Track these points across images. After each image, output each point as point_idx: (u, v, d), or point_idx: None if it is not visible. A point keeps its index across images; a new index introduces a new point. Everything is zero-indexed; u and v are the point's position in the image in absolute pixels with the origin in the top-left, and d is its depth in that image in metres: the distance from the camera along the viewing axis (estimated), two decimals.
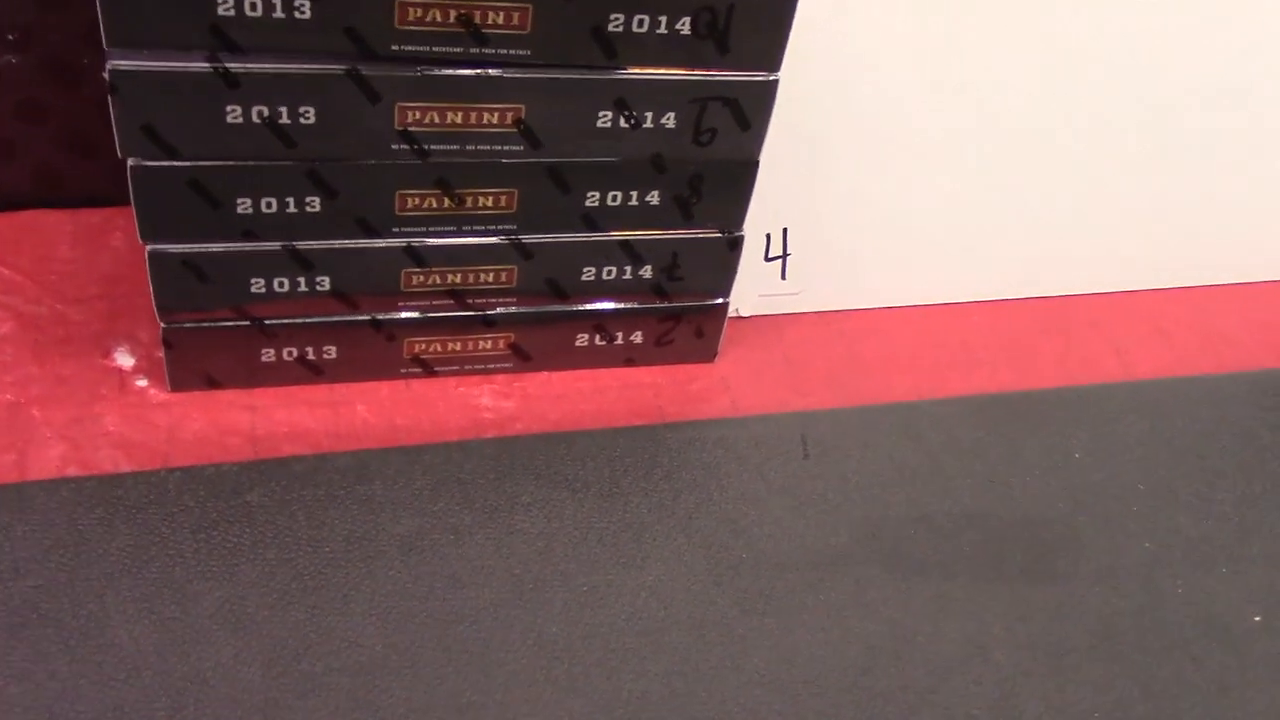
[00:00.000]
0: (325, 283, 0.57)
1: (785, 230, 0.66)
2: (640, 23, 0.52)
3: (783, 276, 0.68)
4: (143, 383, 0.60)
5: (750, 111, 0.55)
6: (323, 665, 0.51)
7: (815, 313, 0.70)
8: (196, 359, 0.58)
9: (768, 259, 0.67)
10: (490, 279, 0.59)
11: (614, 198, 0.57)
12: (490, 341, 0.61)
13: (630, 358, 0.64)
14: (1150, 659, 0.56)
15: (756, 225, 0.63)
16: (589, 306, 0.62)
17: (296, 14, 0.49)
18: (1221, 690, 0.55)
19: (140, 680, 0.49)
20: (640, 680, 0.52)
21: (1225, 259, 0.76)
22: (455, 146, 0.54)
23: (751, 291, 0.67)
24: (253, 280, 0.56)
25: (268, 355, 0.59)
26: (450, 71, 0.51)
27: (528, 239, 0.58)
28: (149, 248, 0.54)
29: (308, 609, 0.52)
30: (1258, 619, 0.58)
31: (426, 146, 0.53)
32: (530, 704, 0.51)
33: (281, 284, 0.56)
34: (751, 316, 0.68)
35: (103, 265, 0.64)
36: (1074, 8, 0.63)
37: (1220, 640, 0.57)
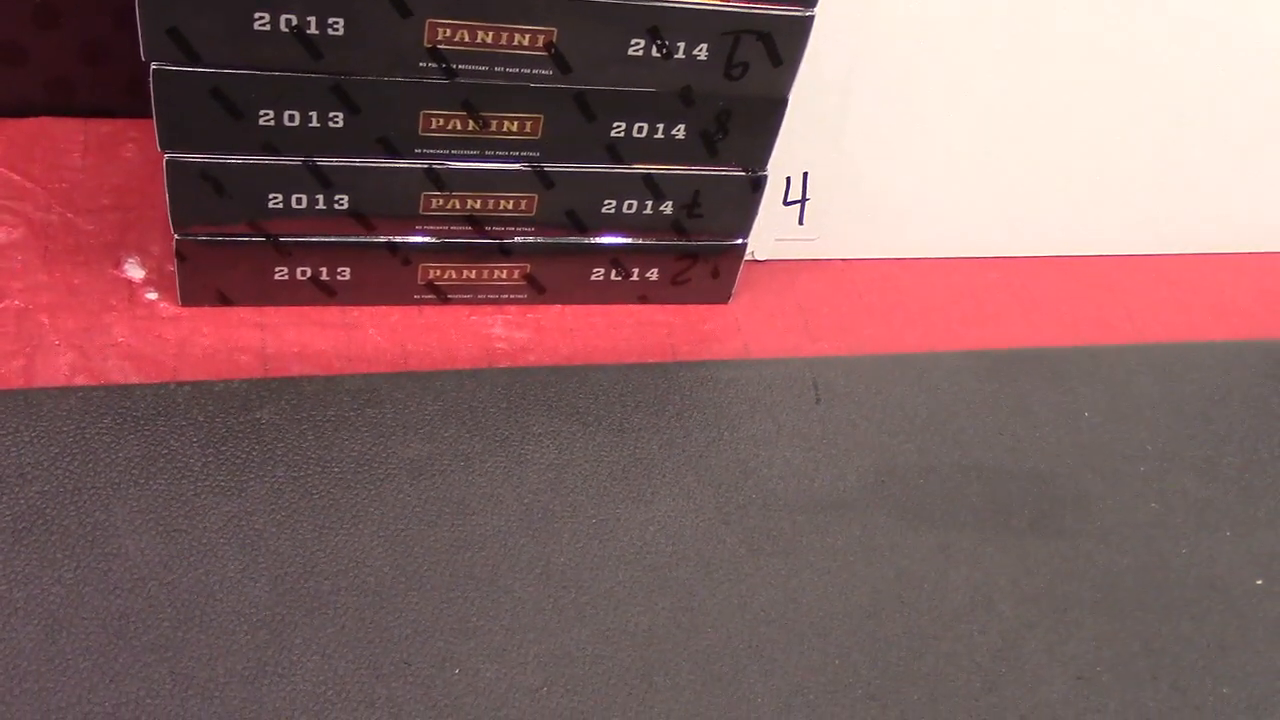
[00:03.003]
0: (344, 201, 0.56)
1: (805, 175, 0.66)
2: None
3: (800, 221, 0.67)
4: (153, 295, 0.59)
5: (783, 47, 0.55)
6: (330, 584, 0.50)
7: (830, 260, 0.69)
8: (209, 273, 0.58)
9: (786, 203, 0.66)
10: (510, 206, 0.58)
11: (639, 129, 0.57)
12: (505, 271, 0.61)
13: (644, 295, 0.64)
14: (1152, 616, 0.56)
15: (777, 168, 0.63)
16: (607, 240, 0.61)
17: None
18: (1221, 649, 0.56)
19: (146, 591, 0.49)
20: (647, 614, 0.52)
21: (1240, 228, 0.76)
22: (484, 68, 0.53)
23: (768, 235, 0.67)
24: (270, 195, 0.55)
25: (281, 273, 0.58)
26: None
27: (550, 167, 0.57)
28: (167, 157, 0.53)
29: (316, 528, 0.52)
30: (1259, 582, 0.59)
31: (454, 66, 0.52)
32: (536, 631, 0.51)
33: (299, 200, 0.56)
34: (766, 261, 0.68)
35: (114, 176, 0.63)
36: None
37: (1222, 601, 0.57)
